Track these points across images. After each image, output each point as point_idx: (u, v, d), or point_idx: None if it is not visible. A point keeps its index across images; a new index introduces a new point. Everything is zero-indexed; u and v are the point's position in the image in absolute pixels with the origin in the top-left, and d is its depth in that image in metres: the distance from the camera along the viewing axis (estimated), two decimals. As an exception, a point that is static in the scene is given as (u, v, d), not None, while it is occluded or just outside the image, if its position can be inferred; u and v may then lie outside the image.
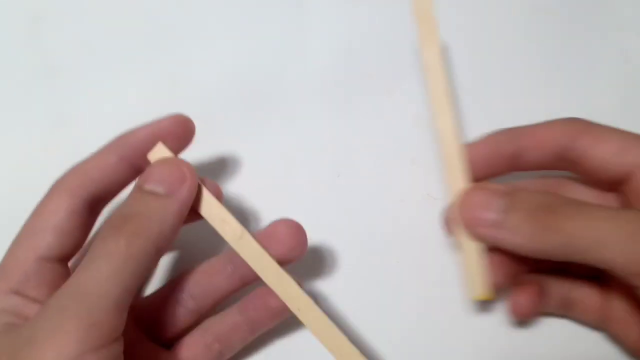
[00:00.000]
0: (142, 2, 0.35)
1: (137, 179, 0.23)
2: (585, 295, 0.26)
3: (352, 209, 0.30)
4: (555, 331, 0.27)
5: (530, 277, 0.26)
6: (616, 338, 0.26)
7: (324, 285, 0.29)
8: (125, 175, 0.24)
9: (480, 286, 0.24)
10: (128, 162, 0.24)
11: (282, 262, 0.23)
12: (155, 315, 0.25)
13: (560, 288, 0.26)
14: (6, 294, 0.22)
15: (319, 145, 0.31)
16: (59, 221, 0.23)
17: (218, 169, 0.31)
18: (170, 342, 0.25)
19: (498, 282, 0.24)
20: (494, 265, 0.24)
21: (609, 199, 0.25)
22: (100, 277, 0.20)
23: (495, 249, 0.24)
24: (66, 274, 0.23)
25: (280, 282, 0.23)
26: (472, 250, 0.24)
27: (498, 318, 0.28)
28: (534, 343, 0.27)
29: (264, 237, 0.24)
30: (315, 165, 0.31)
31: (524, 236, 0.22)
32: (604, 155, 0.23)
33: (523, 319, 0.26)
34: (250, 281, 0.25)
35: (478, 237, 0.24)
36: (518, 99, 0.33)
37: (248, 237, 0.23)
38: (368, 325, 0.28)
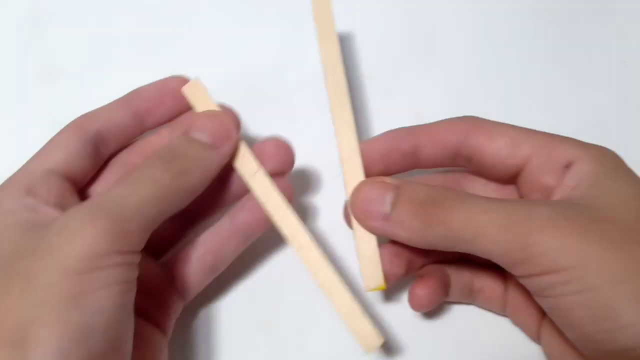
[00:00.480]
0: (142, 2, 0.35)
1: (180, 125, 0.26)
2: (488, 284, 0.26)
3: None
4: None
5: (433, 267, 0.26)
6: (517, 325, 0.27)
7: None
8: (128, 121, 0.26)
9: (374, 278, 0.24)
10: (132, 109, 0.26)
11: (271, 175, 0.25)
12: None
13: (463, 277, 0.27)
14: (20, 194, 0.23)
15: (318, 145, 0.31)
16: (67, 144, 0.24)
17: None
18: (161, 255, 0.26)
19: (398, 272, 0.25)
20: (395, 255, 0.25)
21: (508, 191, 0.26)
22: (141, 196, 0.21)
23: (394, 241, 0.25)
24: (73, 194, 0.24)
25: (286, 220, 0.24)
26: (366, 242, 0.25)
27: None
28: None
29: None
30: (316, 165, 0.31)
31: (409, 229, 0.23)
32: (497, 151, 0.24)
33: (422, 310, 0.26)
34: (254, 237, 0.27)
35: (369, 229, 0.24)
36: (518, 99, 0.33)
37: (262, 174, 0.25)
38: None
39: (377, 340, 0.24)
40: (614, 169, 0.23)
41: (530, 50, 0.34)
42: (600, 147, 0.24)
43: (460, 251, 0.22)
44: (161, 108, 0.27)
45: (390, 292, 0.28)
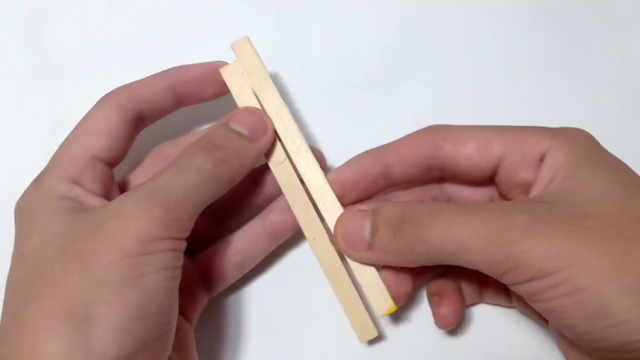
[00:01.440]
0: (142, 2, 0.35)
1: (225, 118, 0.26)
2: (493, 281, 0.26)
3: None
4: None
5: (446, 282, 0.26)
6: (524, 313, 0.27)
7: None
8: (169, 102, 0.27)
9: (383, 302, 0.24)
10: (175, 91, 0.27)
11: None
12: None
13: (472, 281, 0.27)
14: (65, 181, 0.23)
15: (319, 145, 0.31)
16: (110, 127, 0.25)
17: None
18: (192, 250, 0.27)
19: (407, 290, 0.25)
20: (398, 275, 0.25)
21: (488, 192, 0.26)
22: (187, 185, 0.22)
23: None
24: (113, 178, 0.25)
25: (304, 212, 0.25)
26: (365, 270, 0.25)
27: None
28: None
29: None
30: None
31: (393, 253, 0.23)
32: (468, 157, 0.24)
33: (450, 327, 0.26)
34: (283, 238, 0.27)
35: (358, 260, 0.24)
36: (518, 99, 0.33)
37: (288, 164, 0.26)
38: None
39: (372, 332, 0.24)
40: (588, 155, 0.22)
41: (530, 50, 0.34)
42: (571, 130, 0.23)
43: (448, 264, 0.22)
44: (203, 91, 0.27)
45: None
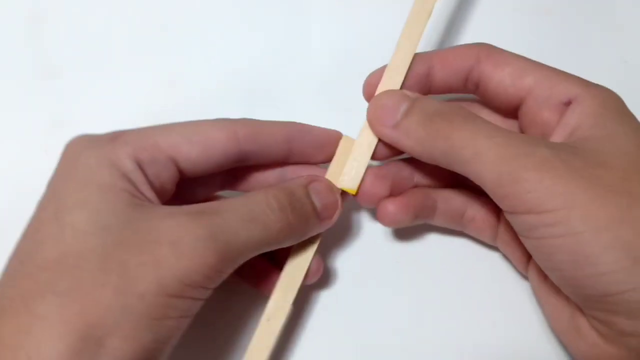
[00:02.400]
0: (142, 2, 0.35)
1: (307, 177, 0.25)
2: (481, 213, 0.26)
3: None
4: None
5: (418, 189, 0.27)
6: (506, 257, 0.27)
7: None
8: (280, 154, 0.25)
9: (351, 180, 0.25)
10: (290, 146, 0.25)
11: None
12: None
13: (454, 203, 0.27)
14: (134, 161, 0.21)
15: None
16: (211, 146, 0.23)
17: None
18: None
19: (378, 193, 0.26)
20: (378, 177, 0.26)
21: (510, 124, 0.26)
22: (251, 239, 0.21)
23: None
24: (175, 183, 0.23)
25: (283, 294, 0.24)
26: (364, 148, 0.25)
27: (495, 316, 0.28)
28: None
29: None
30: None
31: (413, 138, 0.23)
32: (500, 79, 0.24)
33: (389, 225, 0.27)
34: None
35: (378, 134, 0.25)
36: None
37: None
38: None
39: None
40: (617, 111, 0.22)
41: (530, 50, 0.33)
42: (604, 87, 0.23)
43: (456, 171, 0.23)
44: (316, 156, 0.26)
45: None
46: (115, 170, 0.21)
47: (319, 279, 0.27)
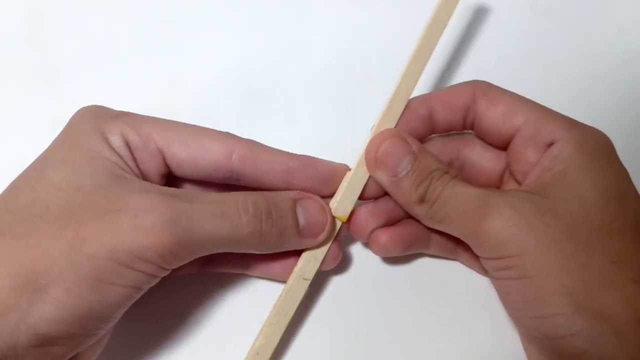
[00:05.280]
0: (142, 2, 0.35)
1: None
2: (468, 247, 0.27)
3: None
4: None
5: (411, 221, 0.27)
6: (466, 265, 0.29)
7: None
8: (280, 184, 0.25)
9: (343, 209, 0.26)
10: (292, 178, 0.25)
11: None
12: None
13: (447, 235, 0.27)
14: (123, 140, 0.23)
15: (319, 145, 0.31)
16: (209, 157, 0.24)
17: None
18: None
19: (369, 229, 0.26)
20: (373, 215, 0.26)
21: (500, 164, 0.27)
22: (216, 233, 0.22)
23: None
24: (163, 174, 0.24)
25: (272, 333, 0.25)
26: (359, 178, 0.26)
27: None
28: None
29: None
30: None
31: (405, 199, 0.25)
32: (493, 118, 0.25)
33: (380, 254, 0.28)
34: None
35: (375, 177, 0.26)
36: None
37: (306, 285, 0.25)
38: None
39: None
40: (591, 157, 0.23)
41: (530, 50, 0.34)
42: (592, 129, 0.24)
43: (437, 228, 0.25)
44: (322, 190, 0.26)
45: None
46: (104, 141, 0.22)
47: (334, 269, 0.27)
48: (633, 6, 0.34)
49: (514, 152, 0.25)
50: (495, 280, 0.23)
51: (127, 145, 0.23)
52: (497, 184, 0.27)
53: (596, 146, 0.23)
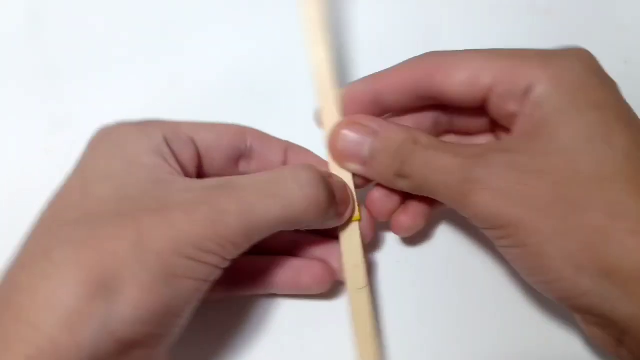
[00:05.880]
0: (142, 1, 0.35)
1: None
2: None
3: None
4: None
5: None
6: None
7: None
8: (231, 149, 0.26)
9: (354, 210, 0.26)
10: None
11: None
12: None
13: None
14: (162, 139, 0.23)
15: (319, 146, 0.31)
16: (228, 140, 0.25)
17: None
18: None
19: (392, 208, 0.26)
20: (386, 195, 0.26)
21: (482, 121, 0.26)
22: (269, 217, 0.21)
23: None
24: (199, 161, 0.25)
25: (365, 345, 0.25)
26: (345, 174, 0.25)
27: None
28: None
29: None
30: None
31: (382, 177, 0.25)
32: (457, 87, 0.23)
33: (404, 235, 0.28)
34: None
35: (347, 169, 0.25)
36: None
37: (365, 292, 0.25)
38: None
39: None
40: (571, 92, 0.22)
41: (530, 50, 0.34)
42: (569, 57, 0.23)
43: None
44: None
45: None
46: (140, 144, 0.22)
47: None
48: (633, 6, 0.34)
49: (495, 109, 0.24)
50: (498, 248, 0.23)
51: (165, 139, 0.23)
52: (491, 129, 0.26)
53: (576, 77, 0.22)
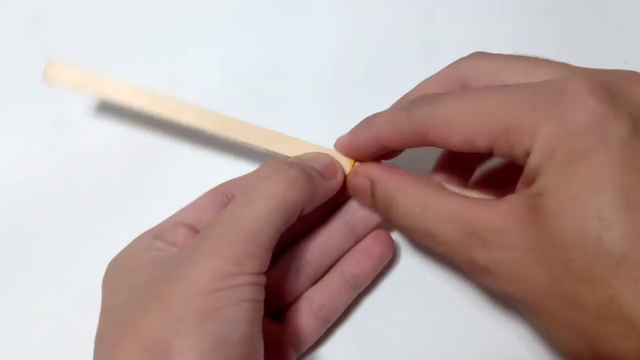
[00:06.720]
0: (142, 2, 0.35)
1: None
2: None
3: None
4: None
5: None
6: None
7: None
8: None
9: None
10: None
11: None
12: (271, 289, 0.25)
13: None
14: (149, 237, 0.24)
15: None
16: (200, 202, 0.26)
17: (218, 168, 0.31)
18: (278, 312, 0.27)
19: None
20: None
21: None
22: (259, 215, 0.22)
23: None
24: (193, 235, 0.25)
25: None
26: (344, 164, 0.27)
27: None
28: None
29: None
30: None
31: (387, 216, 0.26)
32: (455, 147, 0.23)
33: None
34: (362, 238, 0.27)
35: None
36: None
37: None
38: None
39: None
40: (565, 169, 0.20)
41: (530, 51, 0.33)
42: (573, 107, 0.20)
43: None
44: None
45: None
46: (136, 251, 0.24)
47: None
48: (633, 6, 0.34)
49: (500, 159, 0.23)
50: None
51: (153, 237, 0.24)
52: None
53: (573, 140, 0.19)
